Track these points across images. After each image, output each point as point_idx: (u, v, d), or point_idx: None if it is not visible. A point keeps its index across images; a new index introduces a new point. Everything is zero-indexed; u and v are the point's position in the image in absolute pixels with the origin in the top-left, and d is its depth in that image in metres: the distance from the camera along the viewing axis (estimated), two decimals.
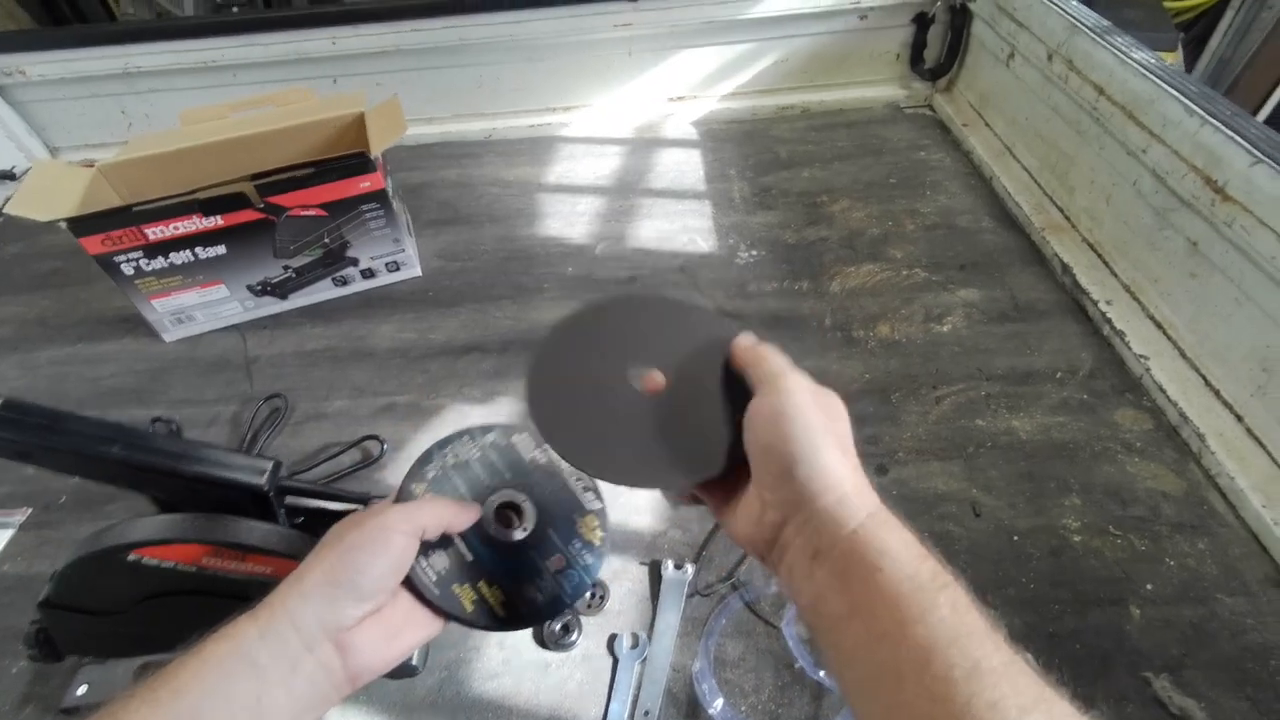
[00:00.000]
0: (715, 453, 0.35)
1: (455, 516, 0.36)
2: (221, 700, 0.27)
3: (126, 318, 0.81)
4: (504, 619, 0.36)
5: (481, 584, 0.36)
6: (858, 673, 0.27)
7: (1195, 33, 1.75)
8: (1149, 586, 0.54)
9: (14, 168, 1.10)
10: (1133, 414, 0.66)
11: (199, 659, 0.28)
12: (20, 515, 0.64)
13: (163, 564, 0.37)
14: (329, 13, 1.04)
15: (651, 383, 0.36)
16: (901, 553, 0.28)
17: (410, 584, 0.34)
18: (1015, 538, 0.58)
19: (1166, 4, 1.63)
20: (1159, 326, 0.70)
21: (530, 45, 1.08)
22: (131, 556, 0.37)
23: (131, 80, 1.07)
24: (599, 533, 0.40)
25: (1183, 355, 0.67)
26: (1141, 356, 0.68)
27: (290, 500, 0.45)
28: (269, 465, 0.41)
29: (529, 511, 0.39)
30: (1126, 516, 0.58)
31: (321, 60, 1.07)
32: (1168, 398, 0.64)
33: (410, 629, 0.34)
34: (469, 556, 0.37)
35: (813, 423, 0.30)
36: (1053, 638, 0.52)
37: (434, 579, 0.35)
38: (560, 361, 0.36)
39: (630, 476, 0.35)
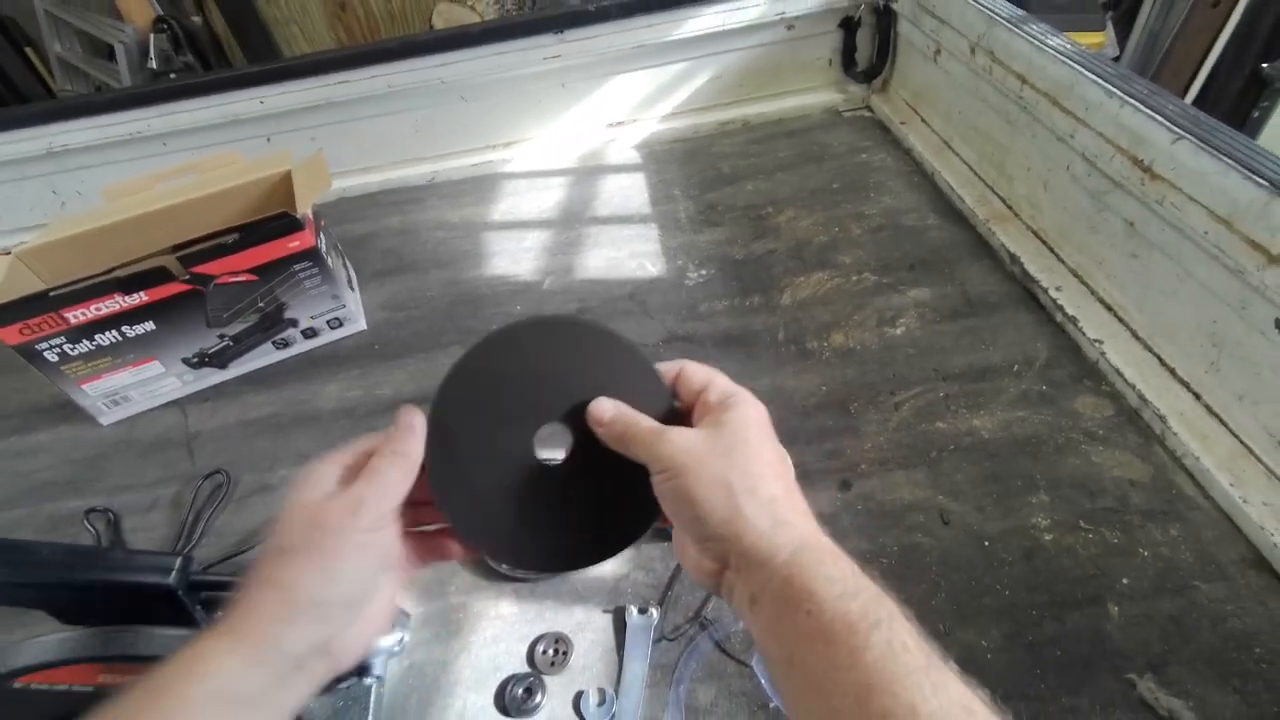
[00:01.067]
0: (640, 514, 0.33)
1: (415, 456, 0.31)
2: None
3: (62, 405, 0.78)
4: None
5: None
6: None
7: (1124, 9, 1.79)
8: (1125, 581, 0.52)
9: None
10: (1093, 401, 0.65)
11: (164, 712, 0.25)
12: None
13: (54, 688, 0.34)
14: (253, 73, 1.03)
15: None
16: (829, 590, 0.26)
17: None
18: (986, 543, 0.56)
19: None
20: (1109, 309, 0.69)
21: (461, 86, 1.08)
22: (18, 684, 0.34)
23: (58, 159, 1.05)
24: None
25: (1135, 336, 0.66)
26: (1096, 341, 0.67)
27: (208, 594, 0.42)
28: (175, 562, 0.38)
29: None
30: (1096, 509, 0.56)
31: (252, 121, 1.06)
32: (1125, 380, 0.63)
33: (386, 602, 0.32)
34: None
35: (712, 474, 0.29)
36: (1033, 646, 0.49)
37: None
38: (459, 426, 0.33)
39: (554, 562, 0.33)
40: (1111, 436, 0.61)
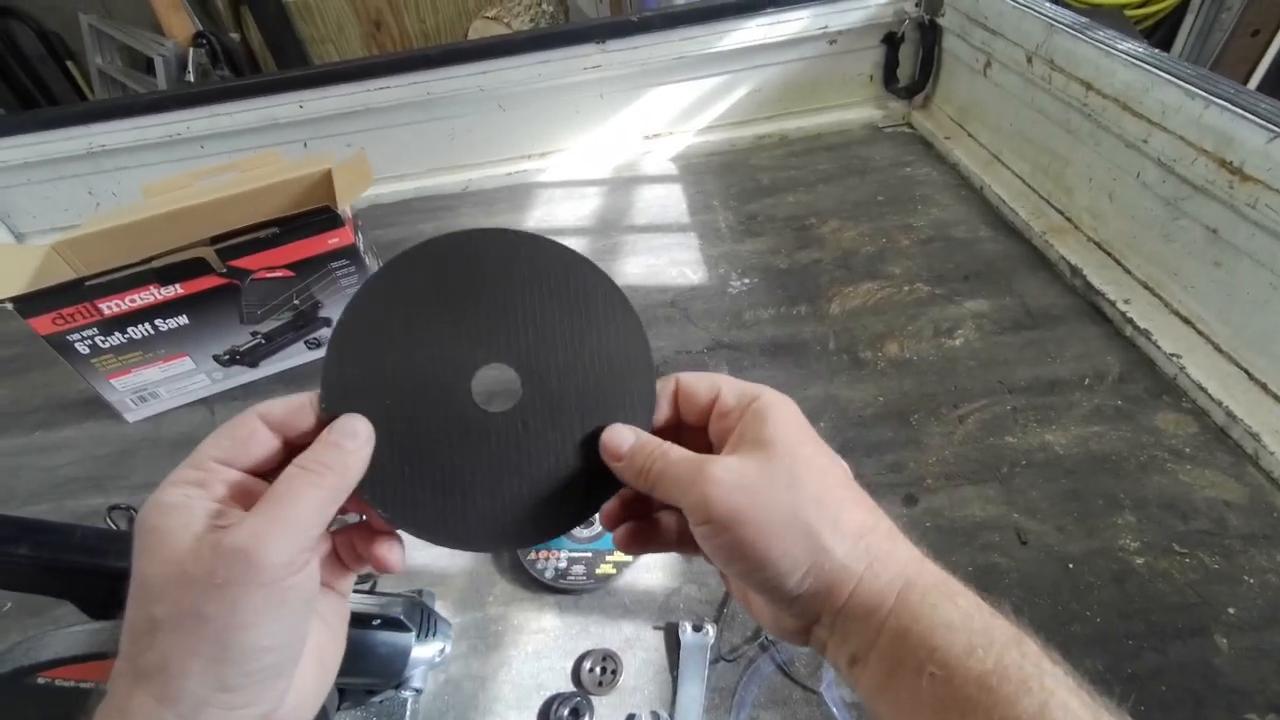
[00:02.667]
0: (597, 488, 0.27)
1: (351, 475, 0.23)
2: None
3: (89, 400, 0.76)
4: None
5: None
6: None
7: (1157, 39, 1.79)
8: (1231, 610, 0.47)
9: None
10: (1174, 417, 0.61)
11: None
12: None
13: (80, 685, 0.31)
14: (295, 77, 1.03)
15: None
16: (953, 643, 0.21)
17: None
18: (1070, 565, 0.51)
19: (1128, 13, 1.66)
20: (1186, 322, 0.65)
21: (499, 95, 1.07)
22: (41, 679, 0.30)
23: (96, 159, 1.05)
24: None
25: (1218, 350, 0.62)
26: (1173, 355, 0.63)
27: None
28: None
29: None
30: (1190, 532, 0.52)
31: (291, 125, 1.05)
32: (1210, 397, 0.59)
33: (331, 635, 0.24)
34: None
35: (781, 516, 0.23)
36: (1133, 680, 0.45)
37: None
38: (376, 352, 0.26)
39: (488, 539, 0.26)
40: (1199, 455, 0.57)
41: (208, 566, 0.19)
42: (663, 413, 0.28)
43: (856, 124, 1.15)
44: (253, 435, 0.23)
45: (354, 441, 0.24)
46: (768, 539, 0.22)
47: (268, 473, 0.23)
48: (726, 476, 0.23)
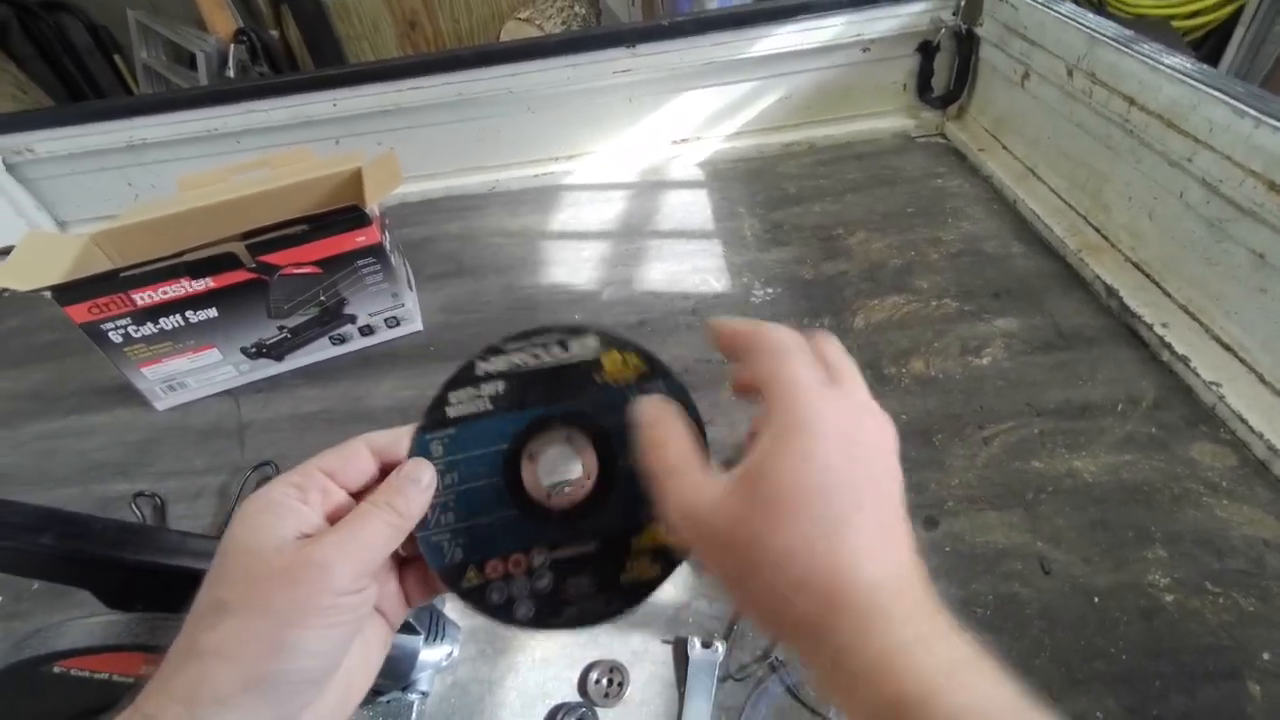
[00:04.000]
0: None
1: (413, 518, 0.25)
2: None
3: (120, 387, 0.78)
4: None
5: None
6: None
7: (1205, 52, 1.73)
8: (1266, 656, 0.45)
9: None
10: (1211, 449, 0.58)
11: None
12: None
13: (95, 676, 0.31)
14: (329, 75, 1.04)
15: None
16: None
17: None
18: (1096, 599, 0.50)
19: (1176, 24, 1.61)
20: (1228, 349, 0.63)
21: (529, 97, 1.08)
22: (57, 669, 0.31)
23: (137, 152, 1.08)
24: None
25: (1262, 380, 0.60)
26: (1213, 384, 0.60)
27: None
28: None
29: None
30: (1225, 570, 0.50)
31: (323, 122, 1.07)
32: (1250, 429, 0.57)
33: (367, 659, 0.25)
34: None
35: (737, 557, 0.21)
36: None
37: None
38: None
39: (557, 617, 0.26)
40: (1237, 489, 0.55)
41: (287, 568, 0.21)
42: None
43: (888, 133, 1.13)
44: (356, 454, 0.25)
45: (416, 487, 0.25)
46: (720, 574, 0.22)
47: (362, 492, 0.26)
48: (688, 495, 0.23)
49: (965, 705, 0.18)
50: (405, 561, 0.27)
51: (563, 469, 0.28)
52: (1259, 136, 0.56)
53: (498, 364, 0.28)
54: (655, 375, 0.27)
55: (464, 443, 0.27)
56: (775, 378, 0.23)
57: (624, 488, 0.27)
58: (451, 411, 0.27)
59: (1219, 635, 0.47)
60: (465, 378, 0.28)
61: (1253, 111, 0.56)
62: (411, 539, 0.26)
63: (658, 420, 0.25)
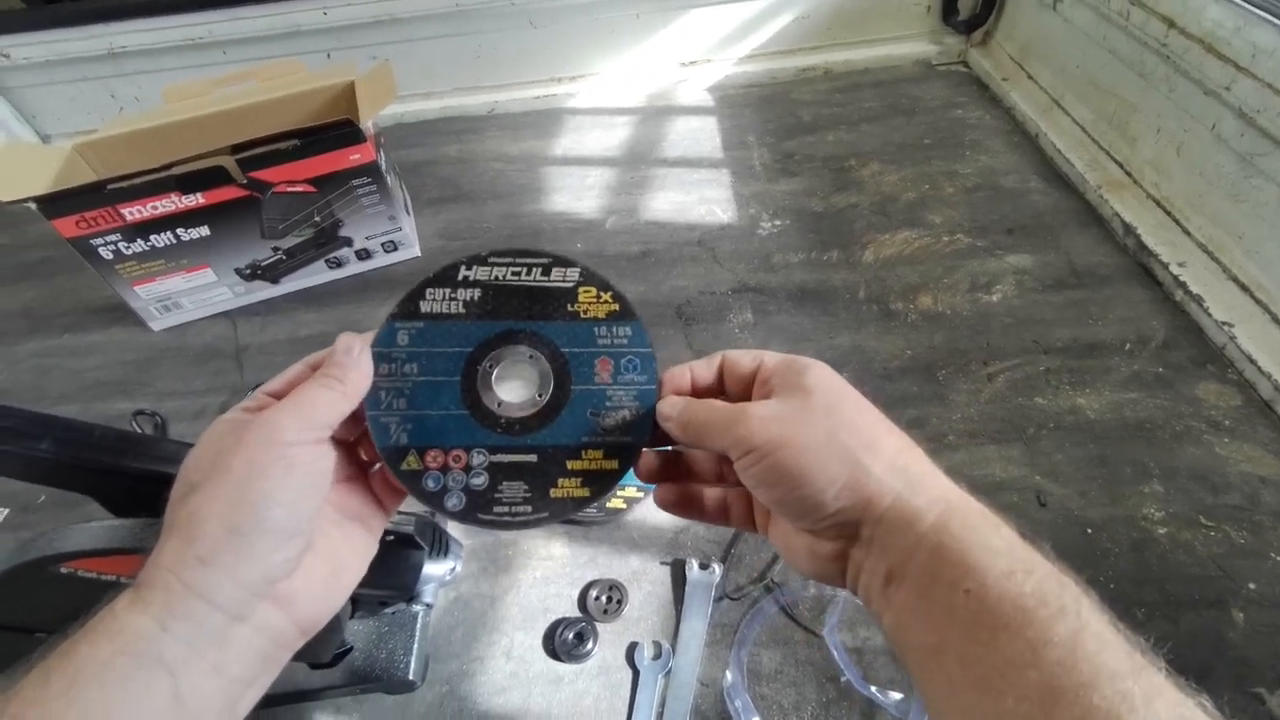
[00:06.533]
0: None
1: (354, 384, 0.26)
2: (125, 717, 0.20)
3: (115, 306, 0.77)
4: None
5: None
6: None
7: None
8: (1252, 586, 0.46)
9: None
10: (1217, 388, 0.58)
11: (69, 675, 0.20)
12: None
13: (101, 577, 0.32)
14: None
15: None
16: (992, 564, 0.21)
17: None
18: (1089, 530, 0.51)
19: None
20: (1244, 289, 0.62)
21: (531, 10, 1.02)
22: (65, 569, 0.31)
23: (118, 61, 1.03)
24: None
25: (1275, 320, 0.59)
26: (1224, 324, 0.60)
27: None
28: None
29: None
30: (1219, 505, 0.50)
31: (314, 33, 1.01)
32: (1259, 369, 0.56)
33: (352, 554, 0.27)
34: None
35: (818, 437, 0.24)
36: None
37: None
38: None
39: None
40: (1239, 428, 0.55)
41: (239, 436, 0.23)
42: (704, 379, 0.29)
43: (908, 60, 1.08)
44: (298, 375, 0.27)
45: (349, 355, 0.26)
46: (806, 458, 0.24)
47: None
48: (765, 412, 0.25)
49: (979, 509, 0.24)
50: (371, 469, 0.29)
51: (519, 383, 0.28)
52: None
53: (479, 273, 0.29)
54: (624, 317, 0.29)
55: (430, 338, 0.28)
56: (764, 361, 0.28)
57: (571, 412, 0.28)
58: (424, 307, 0.28)
59: (1207, 566, 0.48)
60: (445, 278, 0.29)
61: None
62: (364, 421, 0.27)
63: (688, 403, 0.28)
